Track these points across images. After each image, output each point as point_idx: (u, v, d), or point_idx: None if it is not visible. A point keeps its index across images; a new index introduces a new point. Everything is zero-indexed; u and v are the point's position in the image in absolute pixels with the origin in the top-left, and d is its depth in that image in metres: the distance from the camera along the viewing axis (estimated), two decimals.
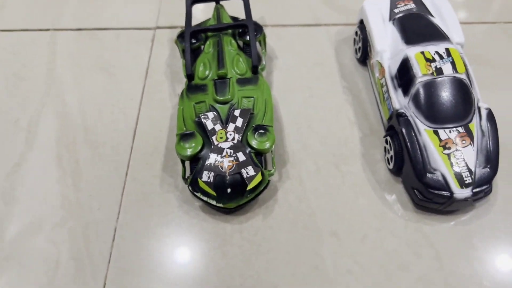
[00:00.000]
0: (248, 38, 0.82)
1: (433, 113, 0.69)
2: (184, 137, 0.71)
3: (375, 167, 0.75)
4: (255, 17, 0.95)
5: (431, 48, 0.72)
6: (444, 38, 0.74)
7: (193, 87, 0.77)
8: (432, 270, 0.66)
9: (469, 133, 0.68)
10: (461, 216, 0.70)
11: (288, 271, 0.66)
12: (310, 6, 1.00)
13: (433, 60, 0.71)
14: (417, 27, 0.77)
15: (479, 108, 0.70)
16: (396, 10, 0.81)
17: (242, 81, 0.77)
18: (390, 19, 0.80)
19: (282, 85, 0.87)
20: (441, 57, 0.71)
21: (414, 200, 0.70)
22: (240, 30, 0.84)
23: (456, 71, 0.70)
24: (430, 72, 0.70)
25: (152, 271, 0.67)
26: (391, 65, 0.75)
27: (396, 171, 0.73)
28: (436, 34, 0.75)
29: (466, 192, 0.65)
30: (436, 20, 0.79)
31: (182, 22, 0.90)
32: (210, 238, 0.70)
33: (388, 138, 0.73)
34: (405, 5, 0.81)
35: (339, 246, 0.68)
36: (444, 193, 0.65)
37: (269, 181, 0.71)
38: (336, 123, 0.81)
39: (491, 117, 0.69)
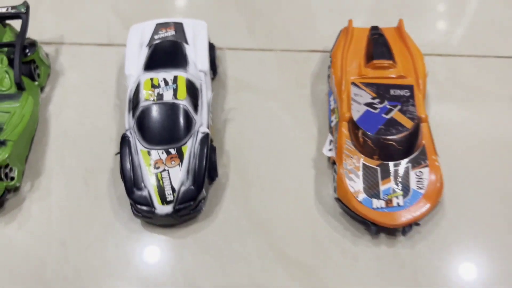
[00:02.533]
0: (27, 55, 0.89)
1: (149, 135, 0.76)
2: None
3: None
4: None
5: (161, 75, 0.79)
6: (181, 66, 0.82)
7: None
8: None
9: (180, 155, 0.74)
10: None
11: None
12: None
13: (158, 87, 0.78)
14: (163, 54, 0.84)
15: (197, 132, 0.77)
16: (156, 36, 0.87)
17: (2, 97, 0.83)
18: (147, 45, 0.86)
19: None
20: (166, 83, 0.78)
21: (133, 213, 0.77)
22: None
23: (176, 98, 0.77)
24: (152, 98, 0.77)
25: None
26: (132, 89, 0.81)
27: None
28: (176, 62, 0.82)
29: (167, 209, 0.72)
30: (189, 48, 0.86)
31: None
32: None
33: None
34: (166, 31, 0.88)
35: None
36: (148, 208, 0.72)
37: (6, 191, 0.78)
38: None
39: (203, 141, 0.76)
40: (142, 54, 0.85)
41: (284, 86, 0.94)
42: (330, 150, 0.81)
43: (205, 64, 0.84)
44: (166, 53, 0.84)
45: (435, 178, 0.74)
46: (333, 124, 0.83)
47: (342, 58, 0.85)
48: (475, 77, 0.94)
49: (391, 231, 0.76)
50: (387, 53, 0.83)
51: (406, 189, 0.73)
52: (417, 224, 0.74)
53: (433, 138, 0.78)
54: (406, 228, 0.74)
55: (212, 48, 0.91)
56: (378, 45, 0.84)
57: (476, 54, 0.98)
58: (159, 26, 0.89)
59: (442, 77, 0.94)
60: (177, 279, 0.74)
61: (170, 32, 0.88)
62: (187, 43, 0.86)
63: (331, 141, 0.82)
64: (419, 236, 0.76)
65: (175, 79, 0.79)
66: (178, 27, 0.89)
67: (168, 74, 0.80)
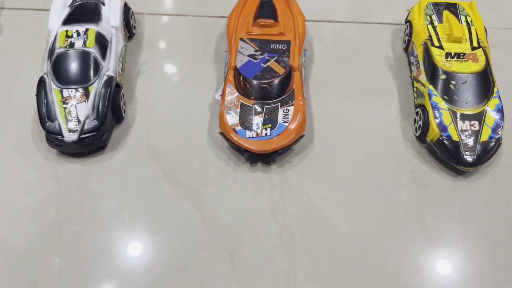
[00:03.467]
0: None
1: (61, 77, 0.90)
2: None
3: None
4: None
5: (75, 28, 0.94)
6: (94, 22, 0.96)
7: None
8: None
9: (86, 93, 0.89)
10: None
11: None
12: None
13: (71, 37, 0.92)
14: (80, 12, 0.98)
15: (103, 76, 0.91)
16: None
17: None
18: (69, 5, 1.00)
19: None
20: (78, 34, 0.93)
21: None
22: None
23: (85, 46, 0.92)
24: (65, 45, 0.92)
25: None
26: (51, 41, 0.95)
27: None
28: (90, 18, 0.97)
29: (73, 136, 0.86)
30: (104, 8, 1.00)
31: None
32: None
33: None
34: None
35: None
36: (58, 136, 0.87)
37: None
38: None
39: (107, 83, 0.90)
40: (63, 13, 0.99)
41: (192, 45, 1.09)
42: (220, 95, 0.96)
43: (116, 21, 0.99)
44: (83, 11, 0.98)
45: (299, 116, 0.89)
46: (225, 70, 0.98)
47: (235, 19, 1.01)
48: (356, 39, 1.11)
49: (266, 160, 0.92)
50: (271, 14, 0.99)
51: (274, 122, 0.89)
52: (280, 153, 0.89)
53: (303, 84, 0.94)
54: (274, 155, 0.89)
55: (127, 10, 1.06)
56: (264, 8, 1.00)
57: (359, 21, 1.14)
58: None
59: (329, 40, 1.10)
60: (84, 197, 0.88)
61: None
62: (103, 4, 1.01)
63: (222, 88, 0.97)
64: (289, 165, 0.92)
65: (86, 31, 0.93)
66: None
67: (81, 27, 0.94)
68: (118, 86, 0.94)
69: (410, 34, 1.03)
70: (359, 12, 1.17)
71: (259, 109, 0.90)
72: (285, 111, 0.90)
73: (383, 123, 0.98)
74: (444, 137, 0.88)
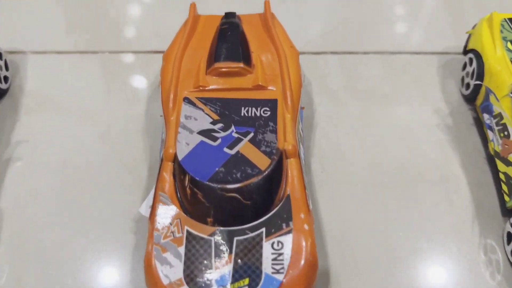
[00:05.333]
0: None
1: None
2: None
3: None
4: None
5: None
6: None
7: None
8: None
9: None
10: None
11: None
12: None
13: None
14: None
15: None
16: None
17: None
18: None
19: None
20: None
21: None
22: None
23: None
24: None
25: None
26: None
27: None
28: None
29: None
30: None
31: None
32: None
33: None
34: None
35: None
36: None
37: None
38: None
39: None
40: None
41: (107, 101, 0.64)
42: (150, 206, 0.51)
43: None
44: None
45: (302, 252, 0.46)
46: (159, 165, 0.54)
47: (175, 62, 0.56)
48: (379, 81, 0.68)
49: None
50: (237, 52, 0.54)
51: (254, 273, 0.45)
52: None
53: (305, 183, 0.50)
54: None
55: None
56: (224, 41, 0.56)
57: (378, 50, 0.72)
58: None
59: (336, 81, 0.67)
60: None
61: None
62: None
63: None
64: None
65: None
66: None
67: None
68: None
69: (480, 75, 0.61)
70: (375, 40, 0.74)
71: (223, 245, 0.46)
72: (275, 246, 0.46)
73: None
74: None
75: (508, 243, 0.52)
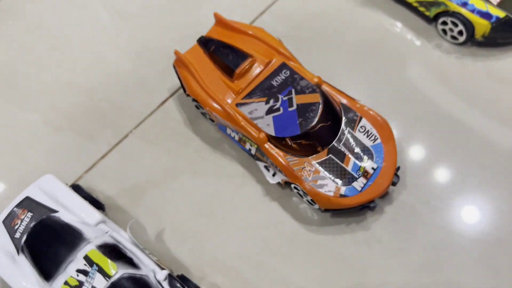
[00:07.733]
0: None
1: None
2: None
3: None
4: None
5: (72, 269, 0.62)
6: (78, 239, 0.64)
7: None
8: None
9: None
10: None
11: None
12: None
13: (82, 285, 0.61)
14: (46, 243, 0.65)
15: None
16: (17, 235, 0.68)
17: None
18: (19, 251, 0.66)
19: None
20: (85, 273, 0.61)
21: None
22: None
23: (108, 276, 0.61)
24: None
25: None
26: None
27: None
28: (69, 239, 0.65)
29: None
30: (63, 214, 0.68)
31: None
32: None
33: None
34: (22, 220, 0.68)
35: None
36: None
37: None
38: None
39: None
40: (22, 265, 0.65)
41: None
42: (273, 175, 0.73)
43: (96, 217, 0.67)
44: (48, 240, 0.65)
45: (374, 119, 0.71)
46: (253, 152, 0.74)
47: (206, 90, 0.75)
48: None
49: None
50: (241, 54, 0.75)
51: (366, 150, 0.70)
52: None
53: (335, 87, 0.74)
54: (394, 179, 0.71)
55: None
56: (224, 54, 0.75)
57: None
58: (9, 221, 0.69)
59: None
60: None
61: (27, 216, 0.68)
62: (55, 211, 0.68)
63: (265, 167, 0.74)
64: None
65: (88, 259, 0.62)
66: (28, 203, 0.69)
67: (77, 262, 0.62)
68: None
69: None
70: None
71: (339, 153, 0.69)
72: (360, 129, 0.71)
73: None
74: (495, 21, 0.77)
75: None
